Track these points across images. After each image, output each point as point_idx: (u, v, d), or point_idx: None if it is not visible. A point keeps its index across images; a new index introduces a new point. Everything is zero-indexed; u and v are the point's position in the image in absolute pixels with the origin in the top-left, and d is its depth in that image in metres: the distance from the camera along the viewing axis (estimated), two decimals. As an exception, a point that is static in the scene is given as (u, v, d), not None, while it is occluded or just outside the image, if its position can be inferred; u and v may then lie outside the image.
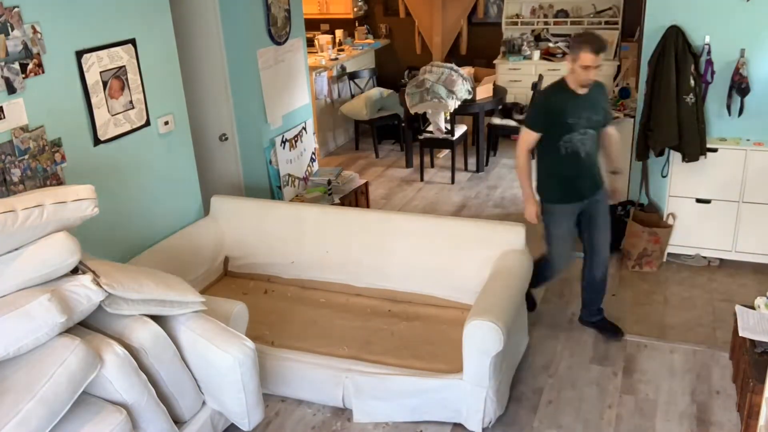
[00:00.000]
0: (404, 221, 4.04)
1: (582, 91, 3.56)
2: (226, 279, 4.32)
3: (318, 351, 3.50)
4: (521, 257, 3.67)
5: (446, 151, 7.37)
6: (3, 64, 2.98)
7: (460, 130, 6.75)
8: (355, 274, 4.08)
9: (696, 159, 4.48)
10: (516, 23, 8.01)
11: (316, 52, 7.89)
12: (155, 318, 2.87)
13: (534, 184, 3.81)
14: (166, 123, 4.00)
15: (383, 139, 7.90)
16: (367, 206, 5.75)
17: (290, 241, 4.19)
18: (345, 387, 3.35)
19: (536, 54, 7.67)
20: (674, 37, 4.37)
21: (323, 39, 8.02)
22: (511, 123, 7.04)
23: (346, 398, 3.38)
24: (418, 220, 4.06)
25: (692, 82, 4.37)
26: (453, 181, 6.67)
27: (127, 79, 3.67)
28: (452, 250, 3.84)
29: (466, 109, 6.62)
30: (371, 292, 4.05)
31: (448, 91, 6.33)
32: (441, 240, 3.86)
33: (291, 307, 3.99)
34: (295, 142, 5.60)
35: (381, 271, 4.03)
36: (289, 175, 5.51)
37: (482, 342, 3.05)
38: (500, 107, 7.09)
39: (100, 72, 3.49)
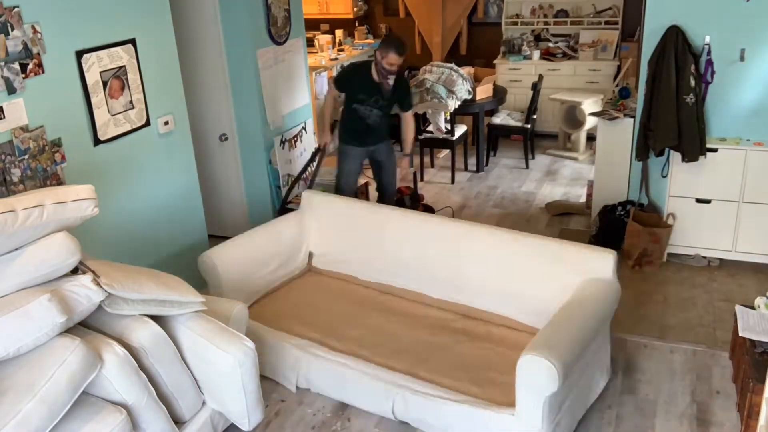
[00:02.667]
0: (486, 234, 3.81)
1: (379, 79, 4.59)
2: (309, 274, 4.35)
3: (374, 360, 3.41)
4: (607, 288, 3.34)
5: (446, 151, 7.38)
6: (3, 64, 2.98)
7: (460, 130, 6.75)
8: (430, 284, 3.95)
9: (696, 159, 4.48)
10: (516, 23, 8.01)
11: (316, 52, 7.89)
12: (155, 318, 2.87)
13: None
14: (166, 123, 4.00)
15: (383, 139, 7.89)
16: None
17: (371, 243, 4.15)
18: (395, 402, 3.26)
19: (536, 54, 7.67)
20: (674, 37, 4.37)
21: (323, 39, 8.02)
22: (512, 123, 7.04)
23: (397, 412, 3.28)
24: (501, 234, 3.80)
25: (692, 82, 4.37)
26: (453, 181, 6.67)
27: (127, 79, 3.67)
28: (533, 270, 3.59)
29: (466, 109, 6.62)
30: (445, 305, 3.89)
31: (448, 91, 6.33)
32: (523, 258, 3.63)
33: (361, 311, 3.90)
34: (295, 142, 5.60)
35: (456, 283, 3.85)
36: (289, 175, 5.51)
37: (535, 379, 2.81)
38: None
39: (100, 72, 3.50)
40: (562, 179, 6.66)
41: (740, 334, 3.34)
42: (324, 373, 3.46)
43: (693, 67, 4.38)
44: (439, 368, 3.35)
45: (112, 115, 3.60)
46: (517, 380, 2.89)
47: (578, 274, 3.43)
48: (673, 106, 4.41)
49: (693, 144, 4.45)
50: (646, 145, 4.63)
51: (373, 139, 4.84)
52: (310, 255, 4.38)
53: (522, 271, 3.63)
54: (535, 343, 2.90)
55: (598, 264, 3.43)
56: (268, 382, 3.64)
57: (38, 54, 3.15)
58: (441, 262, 3.91)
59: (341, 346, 3.57)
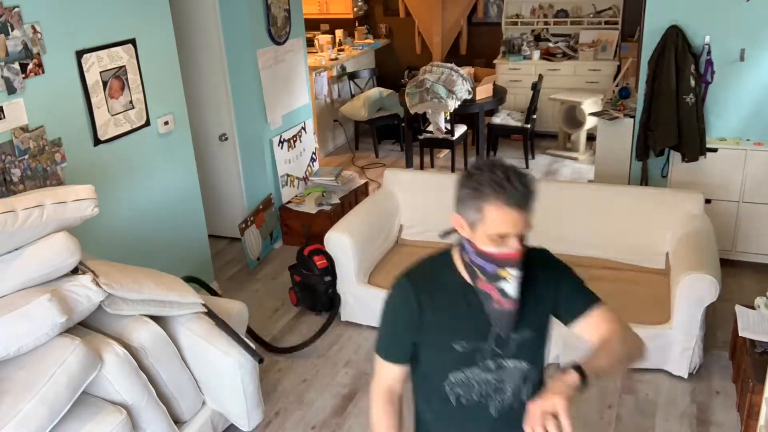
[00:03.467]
0: (585, 189, 4.33)
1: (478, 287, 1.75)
2: (401, 246, 4.52)
3: None
4: (702, 222, 3.95)
5: (446, 151, 7.38)
6: (3, 64, 2.98)
7: (459, 130, 6.75)
8: (530, 240, 4.28)
9: (696, 159, 4.49)
10: (516, 23, 8.01)
11: (316, 52, 7.89)
12: (155, 319, 2.87)
13: None
14: (166, 123, 4.00)
15: (383, 139, 7.90)
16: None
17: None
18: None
19: (536, 54, 7.67)
20: (674, 37, 4.37)
21: (323, 39, 8.02)
22: (512, 123, 7.04)
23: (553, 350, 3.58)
24: (601, 188, 4.34)
25: (692, 82, 4.37)
26: (453, 181, 6.66)
27: (127, 79, 3.67)
28: (632, 217, 4.11)
29: (466, 108, 6.62)
30: None
31: (448, 91, 6.33)
32: (626, 206, 4.13)
33: None
34: (294, 142, 5.60)
35: (553, 236, 4.21)
36: (288, 175, 5.51)
37: (699, 293, 3.37)
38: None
39: (100, 72, 3.50)
40: (562, 179, 6.66)
41: (740, 334, 3.34)
42: None
43: (693, 67, 4.38)
44: None
45: (112, 115, 3.60)
46: (678, 296, 3.42)
47: (675, 213, 4.04)
48: (673, 106, 4.41)
49: (693, 144, 4.45)
50: (646, 145, 4.63)
51: None
52: (401, 228, 4.61)
53: (624, 218, 4.12)
54: (690, 265, 3.45)
55: (691, 203, 4.06)
56: (267, 382, 3.65)
57: (38, 54, 3.15)
58: (538, 219, 4.19)
59: None
